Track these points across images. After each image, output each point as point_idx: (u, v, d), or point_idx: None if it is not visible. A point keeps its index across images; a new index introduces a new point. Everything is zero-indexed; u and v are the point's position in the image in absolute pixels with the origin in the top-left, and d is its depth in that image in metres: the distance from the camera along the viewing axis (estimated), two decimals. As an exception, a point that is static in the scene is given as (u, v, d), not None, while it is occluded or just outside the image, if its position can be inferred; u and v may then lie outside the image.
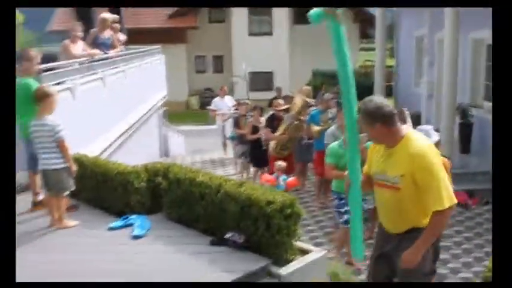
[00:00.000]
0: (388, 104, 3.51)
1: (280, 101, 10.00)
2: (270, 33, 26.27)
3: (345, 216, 5.93)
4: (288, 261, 4.53)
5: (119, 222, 5.38)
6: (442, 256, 5.57)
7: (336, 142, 6.15)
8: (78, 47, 8.11)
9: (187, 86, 27.13)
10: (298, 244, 4.79)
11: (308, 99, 9.76)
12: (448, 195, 3.33)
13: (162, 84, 14.80)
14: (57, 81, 6.76)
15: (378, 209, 3.82)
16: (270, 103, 12.57)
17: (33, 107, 5.31)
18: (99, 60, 8.58)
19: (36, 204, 5.80)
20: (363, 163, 3.85)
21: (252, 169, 10.37)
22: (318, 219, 8.25)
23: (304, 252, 4.77)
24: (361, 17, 26.03)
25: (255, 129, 9.66)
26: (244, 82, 25.24)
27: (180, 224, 5.34)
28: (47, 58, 6.91)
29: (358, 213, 3.86)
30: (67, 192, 5.45)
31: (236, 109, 11.57)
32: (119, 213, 5.59)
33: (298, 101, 9.43)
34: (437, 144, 4.84)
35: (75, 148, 5.65)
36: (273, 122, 9.44)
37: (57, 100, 5.42)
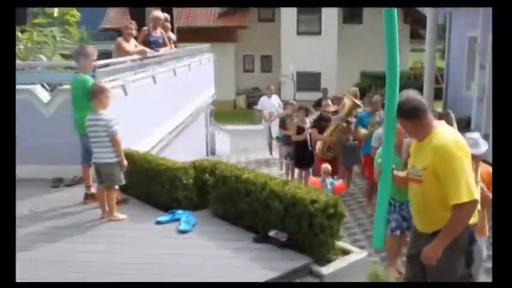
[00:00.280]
0: (419, 97, 3.52)
1: (329, 102, 9.90)
2: (319, 33, 25.92)
3: (393, 224, 5.70)
4: (329, 261, 4.54)
5: (166, 217, 5.52)
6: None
7: None
8: (131, 45, 8.35)
9: (234, 85, 27.23)
10: (340, 244, 4.79)
11: (357, 101, 9.69)
12: (468, 190, 3.25)
13: (211, 83, 14.82)
14: (111, 78, 6.96)
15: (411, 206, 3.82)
16: (317, 104, 12.53)
17: (89, 103, 5.49)
18: (150, 58, 8.79)
19: (88, 197, 6.00)
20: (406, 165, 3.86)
21: (296, 170, 10.31)
22: (361, 222, 8.21)
23: (345, 252, 4.77)
24: (412, 17, 25.57)
25: (301, 130, 9.60)
26: (291, 82, 25.23)
27: (225, 221, 5.43)
28: (101, 55, 7.13)
29: (385, 200, 3.84)
30: (118, 186, 5.64)
31: (284, 109, 11.58)
32: (167, 208, 5.71)
33: (347, 102, 9.28)
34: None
35: (126, 144, 5.80)
36: (321, 123, 9.34)
37: (111, 96, 5.60)
